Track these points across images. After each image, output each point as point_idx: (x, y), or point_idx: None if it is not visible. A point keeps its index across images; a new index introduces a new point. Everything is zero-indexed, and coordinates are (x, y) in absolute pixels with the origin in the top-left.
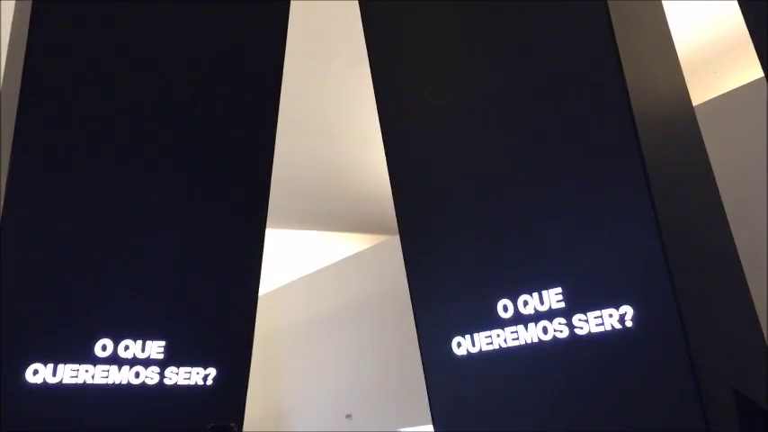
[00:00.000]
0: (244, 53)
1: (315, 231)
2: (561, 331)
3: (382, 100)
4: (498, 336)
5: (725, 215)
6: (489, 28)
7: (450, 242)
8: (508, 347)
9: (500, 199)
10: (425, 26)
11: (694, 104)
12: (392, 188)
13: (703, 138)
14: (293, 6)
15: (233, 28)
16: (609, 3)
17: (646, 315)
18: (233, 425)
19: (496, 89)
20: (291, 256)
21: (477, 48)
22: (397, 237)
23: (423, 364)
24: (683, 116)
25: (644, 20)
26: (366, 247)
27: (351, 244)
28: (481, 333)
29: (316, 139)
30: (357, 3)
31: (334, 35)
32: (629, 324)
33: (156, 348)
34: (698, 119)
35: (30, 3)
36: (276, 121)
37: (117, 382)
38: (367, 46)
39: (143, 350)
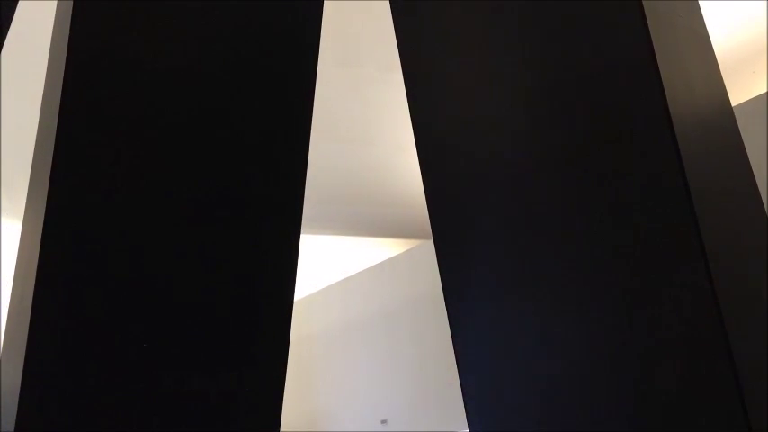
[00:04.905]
0: (277, 60)
1: (349, 237)
2: None
3: (414, 105)
4: None
5: (765, 216)
6: (522, 32)
7: (484, 246)
8: None
9: (534, 203)
10: (458, 31)
11: (733, 105)
12: (425, 193)
13: (743, 139)
14: (325, 13)
15: (266, 35)
16: (644, 3)
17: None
18: None
19: (530, 93)
20: (326, 262)
21: (509, 52)
22: (431, 241)
23: (458, 368)
24: (721, 117)
25: (680, 20)
26: (400, 251)
27: (385, 249)
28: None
29: (350, 144)
30: (389, 8)
31: (367, 41)
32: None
33: (191, 354)
34: (737, 119)
35: (71, 3)
36: (310, 128)
37: (152, 388)
38: (399, 51)
39: (178, 356)
